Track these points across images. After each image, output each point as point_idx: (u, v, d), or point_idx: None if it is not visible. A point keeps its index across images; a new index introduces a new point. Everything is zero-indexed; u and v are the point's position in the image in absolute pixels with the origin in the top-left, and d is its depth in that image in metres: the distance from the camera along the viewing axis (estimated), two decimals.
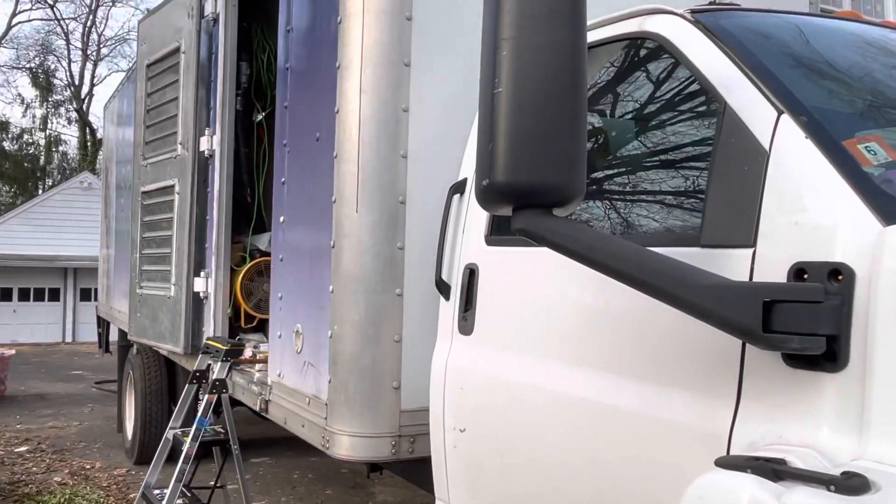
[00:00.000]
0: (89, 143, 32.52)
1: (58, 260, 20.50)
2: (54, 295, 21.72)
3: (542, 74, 1.47)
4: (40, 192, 28.20)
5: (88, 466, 7.14)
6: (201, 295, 4.60)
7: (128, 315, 5.78)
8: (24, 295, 21.47)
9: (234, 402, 4.16)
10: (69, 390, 11.97)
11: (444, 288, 2.66)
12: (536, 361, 2.21)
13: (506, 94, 1.50)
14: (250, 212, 4.87)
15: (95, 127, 31.62)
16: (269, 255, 4.74)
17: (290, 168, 3.45)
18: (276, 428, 3.92)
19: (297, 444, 3.53)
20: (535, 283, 2.26)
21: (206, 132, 4.60)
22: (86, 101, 33.54)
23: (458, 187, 2.69)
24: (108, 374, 11.76)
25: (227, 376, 3.95)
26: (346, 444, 2.82)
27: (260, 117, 4.74)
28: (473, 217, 2.60)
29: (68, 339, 21.59)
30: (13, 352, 12.02)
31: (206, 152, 4.62)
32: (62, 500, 5.70)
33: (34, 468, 7.05)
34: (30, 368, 14.72)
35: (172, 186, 4.85)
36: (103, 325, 9.52)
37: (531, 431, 2.17)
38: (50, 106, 33.88)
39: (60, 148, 34.40)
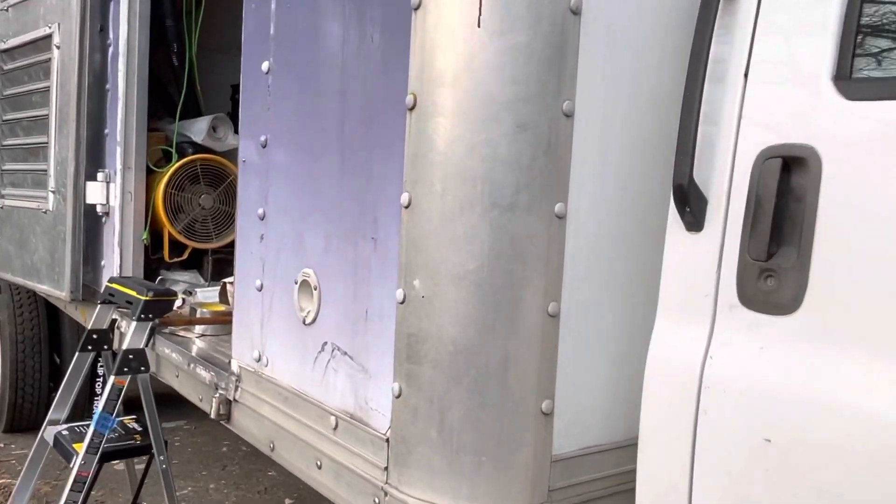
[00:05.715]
0: None
1: None
2: None
3: None
4: None
5: None
6: (98, 209, 3.08)
7: None
8: None
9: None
10: None
11: (693, 201, 1.18)
12: None
13: None
14: (177, 83, 3.17)
15: None
16: (205, 150, 3.13)
17: None
18: None
19: None
20: None
21: None
22: None
23: None
24: None
25: (147, 344, 2.35)
26: None
27: None
28: (785, 40, 1.13)
29: None
30: None
31: None
32: None
33: None
34: None
35: (49, 37, 3.14)
36: None
37: None
38: None
39: None
